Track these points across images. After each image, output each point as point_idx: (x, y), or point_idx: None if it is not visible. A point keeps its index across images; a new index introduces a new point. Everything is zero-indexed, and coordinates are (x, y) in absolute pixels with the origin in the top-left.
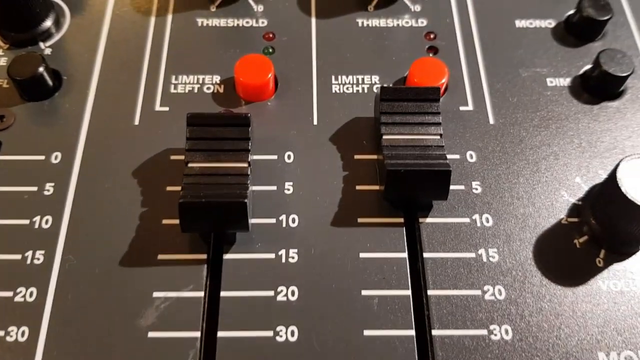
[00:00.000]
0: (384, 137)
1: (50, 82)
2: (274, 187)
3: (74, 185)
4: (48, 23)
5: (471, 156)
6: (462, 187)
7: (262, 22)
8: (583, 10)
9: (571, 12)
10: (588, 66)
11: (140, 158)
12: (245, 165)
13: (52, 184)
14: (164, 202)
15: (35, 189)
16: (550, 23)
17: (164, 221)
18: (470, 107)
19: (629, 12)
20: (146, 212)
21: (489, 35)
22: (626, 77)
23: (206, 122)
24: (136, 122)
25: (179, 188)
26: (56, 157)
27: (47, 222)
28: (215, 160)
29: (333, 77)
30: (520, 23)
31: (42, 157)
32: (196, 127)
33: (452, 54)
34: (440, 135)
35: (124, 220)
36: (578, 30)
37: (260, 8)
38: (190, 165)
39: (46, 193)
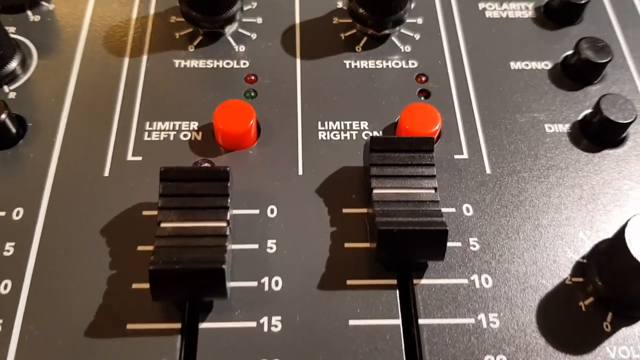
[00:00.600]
0: (375, 191)
1: (13, 130)
2: (256, 246)
3: (37, 245)
4: (13, 64)
5: (467, 209)
6: (458, 243)
7: (244, 64)
8: (581, 52)
9: (568, 53)
10: (588, 111)
11: (109, 213)
12: (224, 224)
13: (13, 244)
14: (135, 263)
15: None
16: (546, 65)
17: (134, 285)
18: (465, 156)
19: (627, 55)
20: (115, 275)
21: (483, 77)
22: (629, 124)
23: (181, 177)
24: (106, 174)
25: (151, 247)
26: (18, 213)
27: (5, 287)
28: (190, 219)
29: (319, 123)
30: (515, 65)
31: (3, 213)
32: (170, 182)
33: (444, 97)
34: (435, 189)
35: (90, 285)
36: (576, 73)
37: (242, 48)
38: (162, 225)
39: (6, 254)
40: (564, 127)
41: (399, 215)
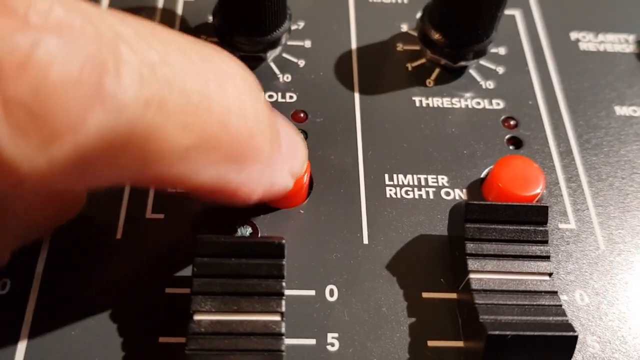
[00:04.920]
0: (472, 276)
1: None
2: (312, 341)
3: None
4: None
5: (582, 297)
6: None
7: (290, 97)
8: None
9: None
10: None
11: (122, 290)
12: (278, 318)
13: None
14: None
15: None
16: None
17: None
18: (571, 225)
19: None
20: None
21: (584, 124)
22: None
23: (224, 252)
24: (118, 236)
25: (176, 340)
26: None
27: None
28: (234, 311)
29: (387, 176)
30: (621, 110)
31: None
32: (208, 258)
33: (540, 148)
34: (550, 274)
35: None
36: None
37: (287, 78)
38: (196, 318)
39: None
40: None
41: (509, 313)
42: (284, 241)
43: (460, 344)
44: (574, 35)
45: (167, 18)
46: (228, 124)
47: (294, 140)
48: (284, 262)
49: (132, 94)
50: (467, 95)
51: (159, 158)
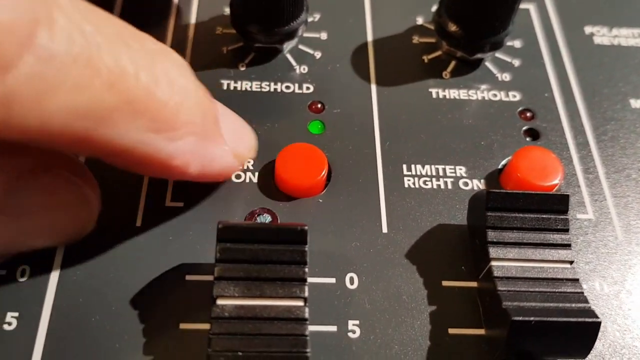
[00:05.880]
0: (494, 263)
1: None
2: (333, 328)
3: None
4: None
5: (601, 286)
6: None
7: (307, 88)
8: None
9: None
10: None
11: (144, 277)
12: (301, 304)
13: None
14: (176, 349)
15: None
16: None
17: None
18: (589, 215)
19: None
20: None
21: (600, 116)
22: None
23: (246, 237)
24: (138, 223)
25: (197, 326)
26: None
27: None
28: (257, 296)
29: (405, 167)
30: (636, 103)
31: None
32: (231, 243)
33: (556, 140)
34: (571, 262)
35: None
36: None
37: (304, 69)
38: (220, 302)
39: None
40: None
41: (531, 299)
42: (306, 227)
43: (481, 331)
44: (588, 30)
45: (183, 9)
46: (155, 91)
47: (239, 125)
48: (306, 249)
49: (62, 48)
50: (484, 87)
51: (85, 113)
